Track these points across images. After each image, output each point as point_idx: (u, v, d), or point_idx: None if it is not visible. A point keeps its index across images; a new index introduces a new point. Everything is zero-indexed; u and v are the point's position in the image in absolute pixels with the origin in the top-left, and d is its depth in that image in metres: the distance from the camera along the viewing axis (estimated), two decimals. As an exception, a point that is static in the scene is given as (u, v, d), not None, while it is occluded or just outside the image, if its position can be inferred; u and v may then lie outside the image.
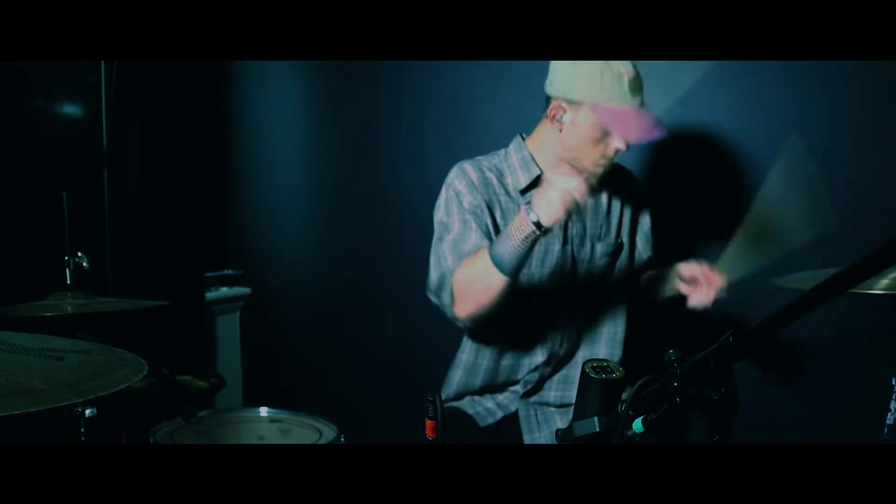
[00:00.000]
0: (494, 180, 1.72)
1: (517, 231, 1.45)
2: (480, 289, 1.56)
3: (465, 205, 1.68)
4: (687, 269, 1.65)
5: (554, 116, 1.65)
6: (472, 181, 1.69)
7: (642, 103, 1.61)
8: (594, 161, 1.64)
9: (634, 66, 1.60)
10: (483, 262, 1.53)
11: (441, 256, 1.68)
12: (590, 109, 1.59)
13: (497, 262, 1.50)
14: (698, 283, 1.62)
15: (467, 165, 1.73)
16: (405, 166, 2.63)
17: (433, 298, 1.71)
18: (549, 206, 1.40)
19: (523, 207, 1.46)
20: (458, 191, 1.69)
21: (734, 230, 1.52)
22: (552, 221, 1.41)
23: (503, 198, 1.72)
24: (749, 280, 1.51)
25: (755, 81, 1.94)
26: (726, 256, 1.56)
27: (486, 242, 1.64)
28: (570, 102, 1.62)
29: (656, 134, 1.57)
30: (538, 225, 1.42)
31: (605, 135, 1.61)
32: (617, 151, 1.63)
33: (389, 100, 2.65)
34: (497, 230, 1.70)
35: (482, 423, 1.77)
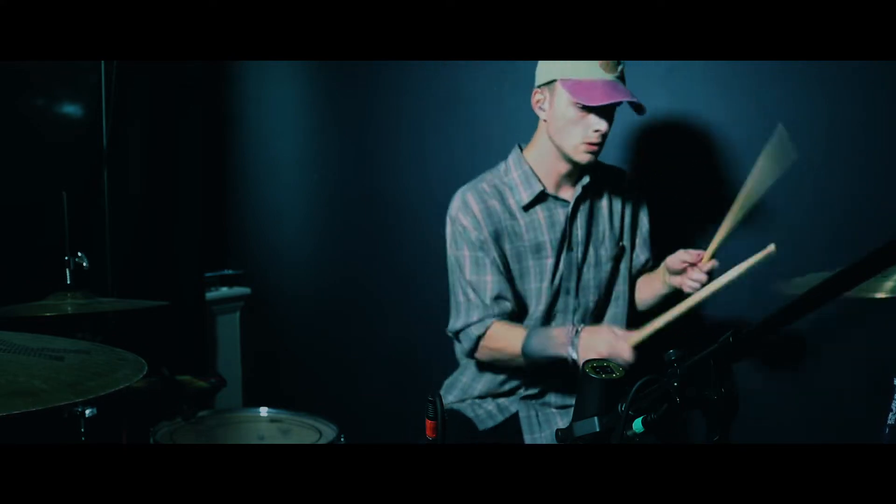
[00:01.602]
0: (498, 206, 1.72)
1: (556, 347, 1.58)
2: (502, 360, 1.71)
3: (473, 239, 1.70)
4: (674, 259, 1.66)
5: (538, 104, 1.68)
6: (475, 215, 1.70)
7: (619, 79, 1.62)
8: (577, 146, 1.65)
9: None
10: (514, 345, 1.63)
11: (463, 301, 1.72)
12: (561, 86, 1.61)
13: (527, 356, 1.62)
14: (689, 268, 1.64)
15: (469, 196, 1.72)
16: (405, 166, 2.63)
17: (450, 334, 1.77)
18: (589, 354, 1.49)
19: (569, 334, 1.56)
20: (464, 226, 1.71)
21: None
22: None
23: (508, 222, 1.73)
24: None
25: (755, 81, 1.94)
26: (714, 241, 1.60)
27: (503, 283, 1.69)
28: (547, 86, 1.65)
29: (625, 98, 1.58)
30: (573, 360, 1.54)
31: (582, 115, 1.61)
32: (599, 133, 1.62)
33: (389, 100, 2.65)
34: (505, 258, 1.72)
35: (482, 427, 1.77)
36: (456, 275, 1.74)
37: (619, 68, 1.62)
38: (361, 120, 2.74)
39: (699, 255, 1.62)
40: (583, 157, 1.66)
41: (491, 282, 1.68)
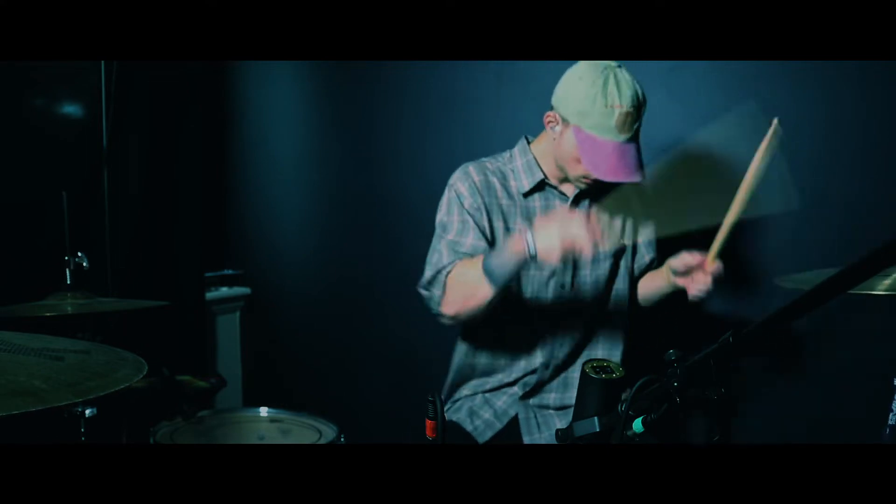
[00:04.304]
0: (497, 183, 1.73)
1: (512, 248, 1.47)
2: (469, 293, 1.59)
3: (466, 206, 1.70)
4: (678, 261, 1.63)
5: (549, 125, 1.67)
6: (474, 183, 1.71)
7: (631, 140, 1.59)
8: (577, 178, 1.66)
9: (635, 104, 1.56)
10: (476, 269, 1.55)
11: (438, 253, 1.70)
12: (574, 134, 1.60)
13: (488, 273, 1.53)
14: (694, 272, 1.61)
15: (471, 168, 1.74)
16: (405, 166, 2.63)
17: (423, 292, 1.71)
18: (548, 240, 1.39)
19: (521, 227, 1.46)
20: (460, 192, 1.71)
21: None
22: (545, 256, 1.41)
23: (505, 201, 1.73)
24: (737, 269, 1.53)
25: (755, 81, 1.94)
26: (715, 243, 1.56)
27: (482, 244, 1.67)
28: (562, 117, 1.63)
29: (629, 178, 1.57)
30: (532, 253, 1.42)
31: None
32: (596, 180, 1.62)
33: (389, 100, 2.65)
34: (493, 234, 1.71)
35: (481, 440, 1.77)
36: (438, 236, 1.73)
37: (636, 127, 1.58)
38: (361, 120, 2.75)
39: (702, 258, 1.61)
40: (581, 185, 1.69)
41: (470, 245, 1.67)
